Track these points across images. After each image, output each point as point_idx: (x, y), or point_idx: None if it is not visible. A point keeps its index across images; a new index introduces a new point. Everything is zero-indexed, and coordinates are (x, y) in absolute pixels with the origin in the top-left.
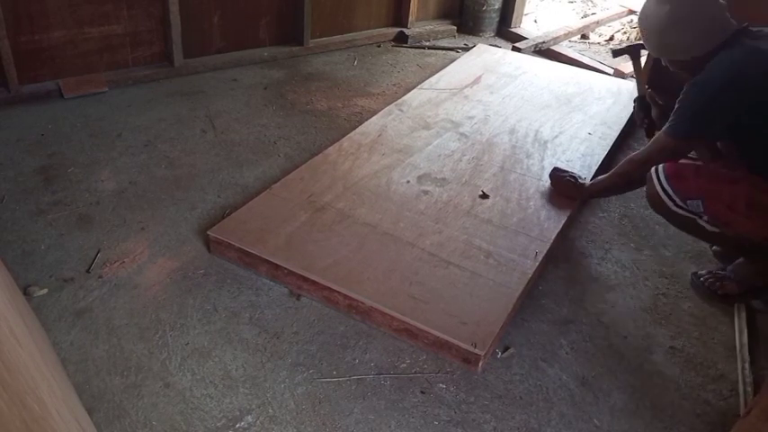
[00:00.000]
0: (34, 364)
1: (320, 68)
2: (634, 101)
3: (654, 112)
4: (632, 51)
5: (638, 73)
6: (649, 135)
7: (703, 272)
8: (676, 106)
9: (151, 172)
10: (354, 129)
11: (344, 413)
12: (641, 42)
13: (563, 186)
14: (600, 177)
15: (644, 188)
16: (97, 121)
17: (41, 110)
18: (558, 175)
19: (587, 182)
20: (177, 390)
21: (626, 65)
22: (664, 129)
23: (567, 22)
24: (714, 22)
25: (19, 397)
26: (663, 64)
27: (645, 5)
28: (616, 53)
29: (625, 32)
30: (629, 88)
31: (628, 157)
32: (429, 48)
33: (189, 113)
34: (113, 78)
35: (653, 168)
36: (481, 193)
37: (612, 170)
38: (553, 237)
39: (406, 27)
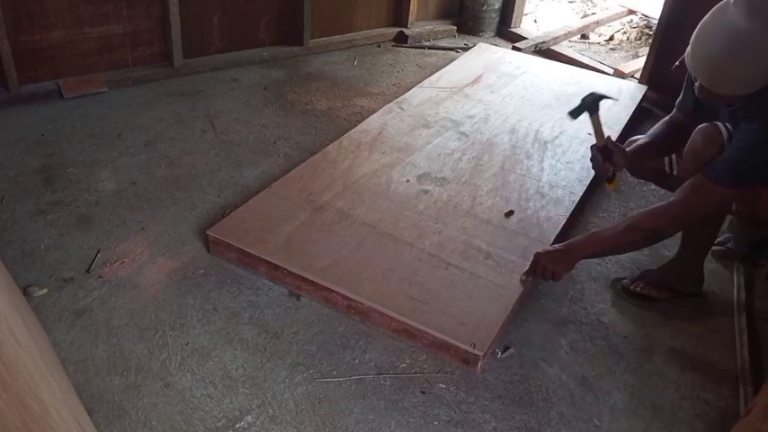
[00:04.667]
0: (34, 364)
1: (320, 68)
2: (591, 148)
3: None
4: (590, 105)
5: (597, 124)
6: (610, 182)
7: (626, 280)
8: (731, 153)
9: (151, 172)
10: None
11: (344, 413)
12: (594, 94)
13: (551, 257)
14: (596, 232)
15: (643, 184)
16: (97, 121)
17: (41, 110)
18: (539, 254)
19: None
20: (177, 390)
21: (626, 65)
22: (709, 174)
23: (567, 22)
24: None
25: (18, 397)
26: (701, 98)
27: (705, 31)
28: (574, 113)
29: (625, 32)
30: (630, 88)
31: (648, 210)
32: (429, 48)
33: (189, 113)
34: (113, 78)
35: None
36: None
37: (623, 223)
38: (553, 237)
39: (406, 27)
